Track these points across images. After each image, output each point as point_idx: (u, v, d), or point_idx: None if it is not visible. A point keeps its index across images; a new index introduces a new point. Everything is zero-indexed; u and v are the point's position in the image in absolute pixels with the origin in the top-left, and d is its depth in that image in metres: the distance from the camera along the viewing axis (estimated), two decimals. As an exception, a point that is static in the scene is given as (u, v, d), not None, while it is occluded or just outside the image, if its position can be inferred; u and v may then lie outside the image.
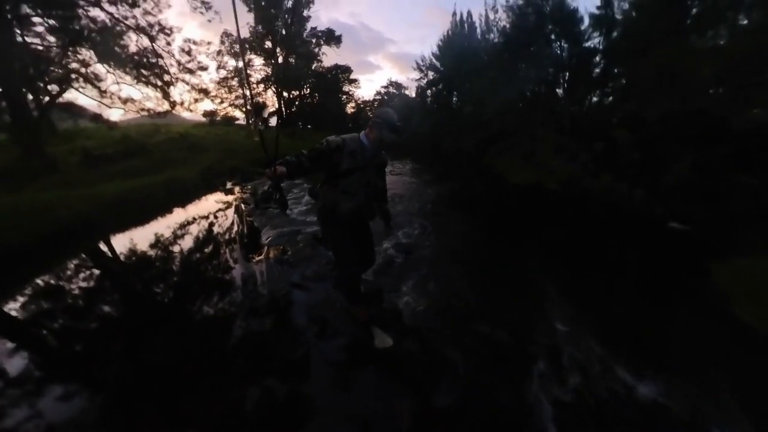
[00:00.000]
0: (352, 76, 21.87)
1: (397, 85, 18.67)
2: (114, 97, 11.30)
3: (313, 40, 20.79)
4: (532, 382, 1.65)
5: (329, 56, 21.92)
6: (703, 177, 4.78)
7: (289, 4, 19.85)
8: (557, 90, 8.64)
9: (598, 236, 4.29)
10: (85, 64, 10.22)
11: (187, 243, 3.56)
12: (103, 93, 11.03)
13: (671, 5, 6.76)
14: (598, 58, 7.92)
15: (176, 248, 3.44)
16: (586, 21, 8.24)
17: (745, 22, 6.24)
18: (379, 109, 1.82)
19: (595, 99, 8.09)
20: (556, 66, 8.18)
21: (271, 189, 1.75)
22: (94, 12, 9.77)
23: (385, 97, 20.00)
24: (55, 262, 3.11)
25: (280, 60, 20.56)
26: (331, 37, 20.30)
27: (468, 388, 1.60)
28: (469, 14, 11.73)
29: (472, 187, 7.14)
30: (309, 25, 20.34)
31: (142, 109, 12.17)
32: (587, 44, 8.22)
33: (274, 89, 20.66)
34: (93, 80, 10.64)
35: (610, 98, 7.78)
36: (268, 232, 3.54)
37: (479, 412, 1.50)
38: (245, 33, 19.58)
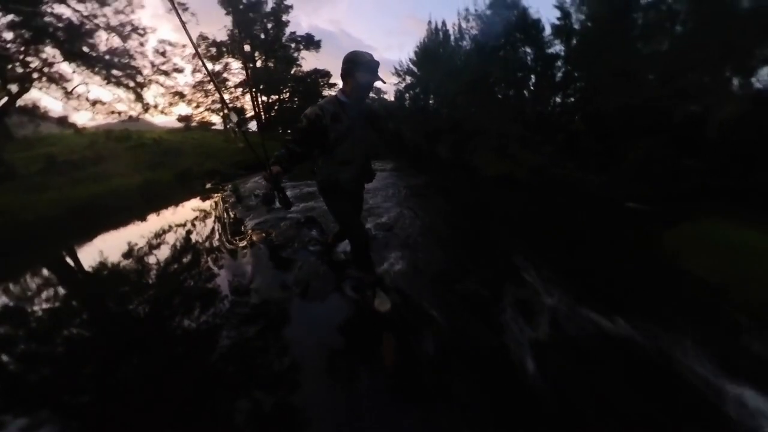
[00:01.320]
0: (332, 81, 22.00)
1: (377, 90, 19.05)
2: (82, 99, 10.71)
3: (293, 45, 20.75)
4: (509, 328, 1.83)
5: (309, 61, 21.92)
6: (653, 162, 5.34)
7: (269, 8, 19.77)
8: (524, 91, 9.26)
9: (564, 214, 4.68)
10: (48, 63, 9.57)
11: (168, 241, 3.45)
12: (69, 94, 10.41)
13: (620, 17, 7.52)
14: (560, 63, 8.62)
15: (157, 249, 3.29)
16: (549, 30, 8.98)
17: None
18: (346, 55, 1.56)
19: (558, 99, 8.77)
20: (523, 70, 8.79)
21: (272, 190, 1.68)
22: (60, 9, 9.24)
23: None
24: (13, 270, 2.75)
25: (258, 64, 20.31)
26: (310, 42, 20.38)
27: (450, 336, 1.74)
28: (444, 23, 12.22)
29: (449, 179, 7.48)
30: (288, 30, 20.32)
31: (113, 112, 11.60)
32: (550, 51, 8.92)
33: (252, 93, 20.33)
34: (58, 80, 10.01)
35: (572, 99, 8.47)
36: (250, 222, 3.57)
37: (463, 356, 1.65)
38: (223, 36, 19.29)
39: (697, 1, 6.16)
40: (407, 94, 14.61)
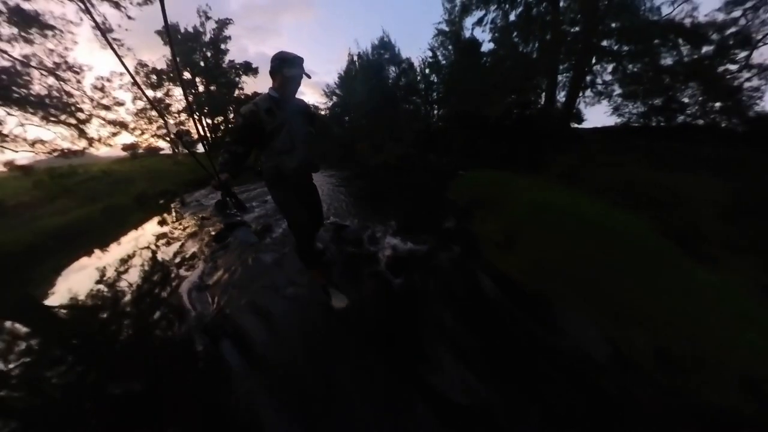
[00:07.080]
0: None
1: (315, 108, 20.51)
2: (19, 140, 10.38)
3: (233, 71, 21.21)
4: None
5: (251, 84, 22.46)
6: (469, 145, 8.00)
7: (207, 38, 19.98)
8: (406, 106, 11.74)
9: (416, 181, 7.06)
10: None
11: (138, 236, 4.49)
12: (4, 137, 10.10)
13: (472, 59, 10.13)
14: (434, 87, 11.16)
15: (133, 241, 4.18)
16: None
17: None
18: (274, 55, 1.62)
19: (437, 111, 11.33)
20: (407, 91, 11.19)
21: (225, 197, 1.63)
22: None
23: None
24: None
25: (201, 89, 20.40)
26: (248, 69, 21.05)
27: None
28: (359, 55, 14.31)
29: (350, 169, 9.76)
30: (227, 58, 20.75)
31: (55, 150, 11.30)
32: (430, 78, 11.46)
33: (195, 116, 20.40)
34: (-10, 124, 9.68)
35: (442, 111, 11.07)
36: (188, 213, 5.20)
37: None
38: (162, 65, 19.10)
39: (509, 49, 8.89)
40: (335, 111, 16.48)
